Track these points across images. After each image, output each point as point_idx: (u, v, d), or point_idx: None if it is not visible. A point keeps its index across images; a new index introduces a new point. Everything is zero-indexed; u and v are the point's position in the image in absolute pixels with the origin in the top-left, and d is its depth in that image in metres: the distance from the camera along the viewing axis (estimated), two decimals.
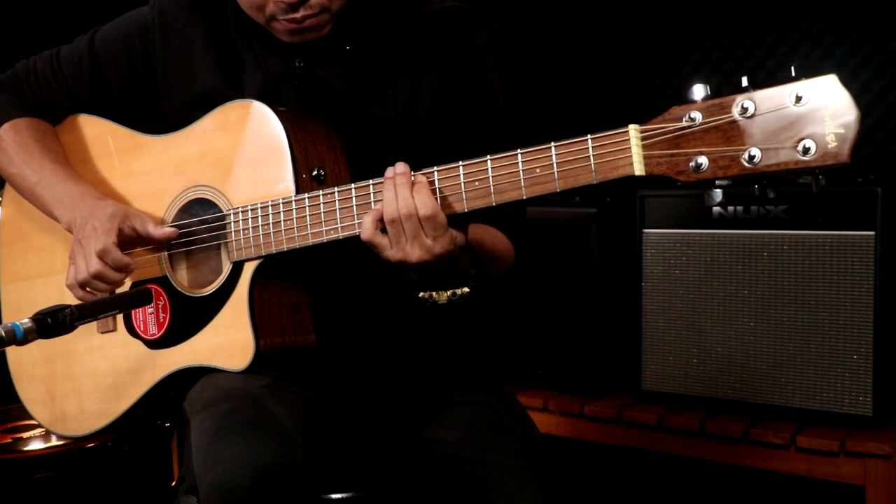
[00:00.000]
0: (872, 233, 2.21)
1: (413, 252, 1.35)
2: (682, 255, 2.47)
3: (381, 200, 1.37)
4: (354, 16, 1.59)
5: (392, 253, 1.37)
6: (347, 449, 1.69)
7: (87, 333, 1.74)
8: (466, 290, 1.44)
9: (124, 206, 1.67)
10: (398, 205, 1.34)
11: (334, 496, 1.58)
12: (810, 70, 1.12)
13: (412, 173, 1.37)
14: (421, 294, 1.45)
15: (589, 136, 1.22)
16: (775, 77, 1.14)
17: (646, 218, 2.51)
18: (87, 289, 1.62)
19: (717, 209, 2.41)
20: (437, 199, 1.35)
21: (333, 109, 1.61)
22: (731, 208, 2.39)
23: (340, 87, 1.63)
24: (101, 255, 1.58)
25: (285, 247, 1.48)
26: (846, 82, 1.11)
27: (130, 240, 1.62)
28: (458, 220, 1.39)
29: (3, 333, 1.25)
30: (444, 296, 1.44)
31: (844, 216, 2.25)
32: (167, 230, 1.62)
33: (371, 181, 1.40)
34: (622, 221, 2.59)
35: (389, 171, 1.38)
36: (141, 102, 1.80)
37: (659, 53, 2.94)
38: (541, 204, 2.57)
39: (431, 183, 1.36)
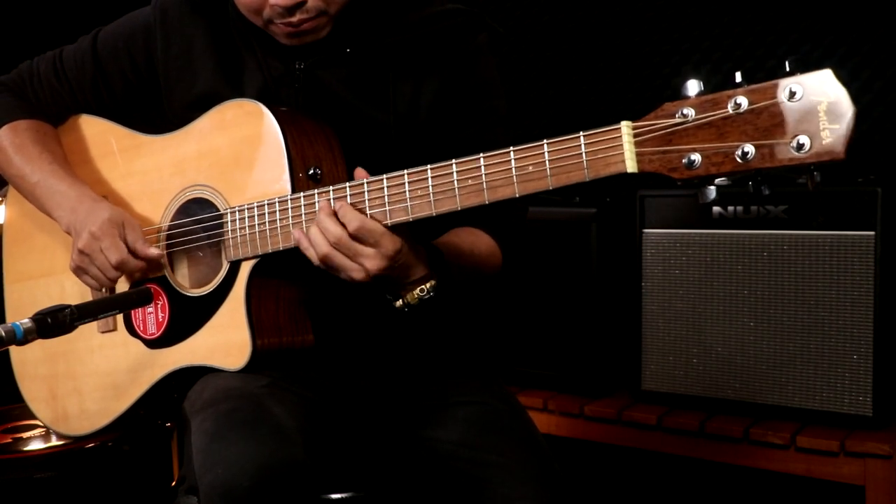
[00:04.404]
0: (872, 233, 2.21)
1: (368, 264, 1.39)
2: (682, 255, 2.47)
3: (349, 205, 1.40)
4: (355, 18, 1.59)
5: (355, 274, 1.40)
6: (347, 449, 1.69)
7: (87, 333, 1.74)
8: (432, 282, 1.45)
9: (122, 211, 1.67)
10: (325, 237, 1.39)
11: (334, 496, 1.58)
12: (805, 65, 1.11)
13: (331, 199, 1.41)
14: (397, 304, 1.47)
15: (581, 133, 1.22)
16: (774, 76, 1.13)
17: (646, 218, 2.51)
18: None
19: (716, 209, 2.40)
20: (368, 210, 1.39)
21: (334, 112, 1.61)
22: (730, 208, 2.39)
23: (341, 90, 1.63)
24: (119, 267, 1.62)
25: (282, 246, 1.48)
26: (844, 80, 1.10)
27: None
28: (436, 223, 1.42)
29: (3, 333, 1.25)
30: (413, 295, 1.45)
31: (844, 216, 2.24)
32: (152, 252, 1.62)
33: (365, 179, 1.40)
34: (622, 221, 2.59)
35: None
36: (143, 102, 1.80)
37: (659, 53, 2.94)
38: (541, 204, 2.57)
39: (424, 181, 1.36)
